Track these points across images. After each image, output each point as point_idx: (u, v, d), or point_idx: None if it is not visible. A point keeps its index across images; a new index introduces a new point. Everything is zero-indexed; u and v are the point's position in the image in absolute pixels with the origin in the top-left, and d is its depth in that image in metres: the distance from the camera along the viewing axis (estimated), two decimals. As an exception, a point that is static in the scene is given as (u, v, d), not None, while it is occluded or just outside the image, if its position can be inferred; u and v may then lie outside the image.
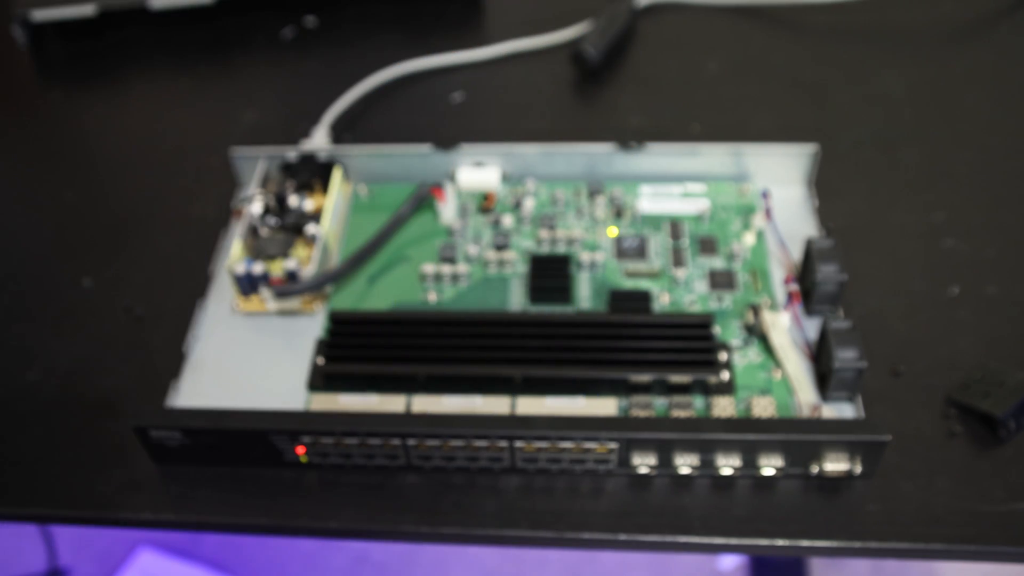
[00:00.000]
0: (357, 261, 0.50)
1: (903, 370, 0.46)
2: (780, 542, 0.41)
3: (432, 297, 0.50)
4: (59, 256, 0.56)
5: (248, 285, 0.49)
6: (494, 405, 0.45)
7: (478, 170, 0.55)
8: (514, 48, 0.68)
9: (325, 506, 0.43)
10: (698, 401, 0.45)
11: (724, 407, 0.44)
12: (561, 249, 0.52)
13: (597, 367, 0.44)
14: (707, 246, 0.51)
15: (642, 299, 0.48)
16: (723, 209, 0.53)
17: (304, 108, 0.63)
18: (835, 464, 0.41)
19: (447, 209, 0.54)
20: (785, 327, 0.47)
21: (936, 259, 0.52)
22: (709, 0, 0.71)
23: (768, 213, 0.52)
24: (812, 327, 0.47)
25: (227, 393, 0.46)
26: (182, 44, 0.72)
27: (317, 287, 0.49)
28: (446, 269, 0.51)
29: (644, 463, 0.42)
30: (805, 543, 0.41)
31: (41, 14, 0.70)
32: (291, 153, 0.55)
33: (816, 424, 0.41)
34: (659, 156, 0.54)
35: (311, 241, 0.51)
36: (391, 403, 0.45)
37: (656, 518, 0.41)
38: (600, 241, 0.52)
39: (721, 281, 0.50)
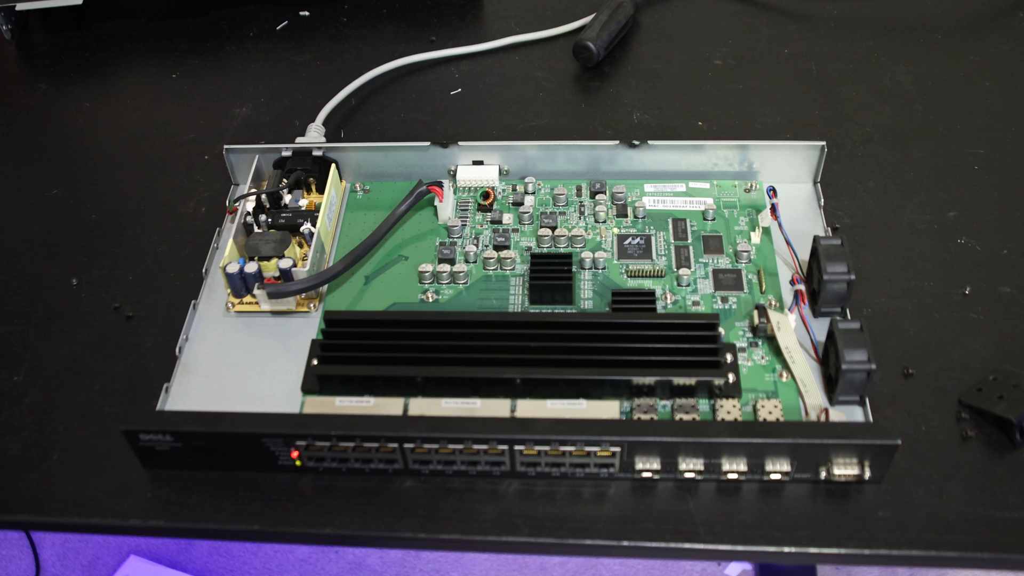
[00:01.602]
0: (353, 260, 0.49)
1: (913, 372, 0.45)
2: (787, 549, 0.40)
3: (430, 297, 0.49)
4: (46, 255, 0.55)
5: (241, 285, 0.48)
6: (494, 408, 0.44)
7: (477, 167, 0.54)
8: (514, 41, 0.67)
9: (320, 512, 0.42)
10: (703, 404, 0.44)
11: (729, 410, 0.43)
12: (562, 247, 0.51)
13: (599, 369, 0.43)
14: (712, 245, 0.51)
15: (645, 299, 0.47)
16: (728, 207, 0.53)
17: (299, 103, 0.63)
18: (844, 469, 0.40)
19: (445, 207, 0.53)
20: (792, 328, 0.46)
21: (948, 258, 0.51)
22: (712, -7, 0.70)
23: (774, 211, 0.51)
24: (820, 328, 0.46)
25: (220, 396, 0.46)
26: (173, 36, 0.71)
27: (312, 287, 0.48)
28: (444, 268, 0.50)
29: (648, 467, 0.41)
30: (813, 550, 0.40)
31: (26, 3, 0.68)
32: (286, 149, 0.54)
33: (824, 428, 0.40)
34: (663, 153, 0.53)
35: (306, 240, 0.50)
36: (388, 406, 0.44)
37: (660, 524, 0.41)
38: (602, 240, 0.51)
39: (726, 281, 0.49)
